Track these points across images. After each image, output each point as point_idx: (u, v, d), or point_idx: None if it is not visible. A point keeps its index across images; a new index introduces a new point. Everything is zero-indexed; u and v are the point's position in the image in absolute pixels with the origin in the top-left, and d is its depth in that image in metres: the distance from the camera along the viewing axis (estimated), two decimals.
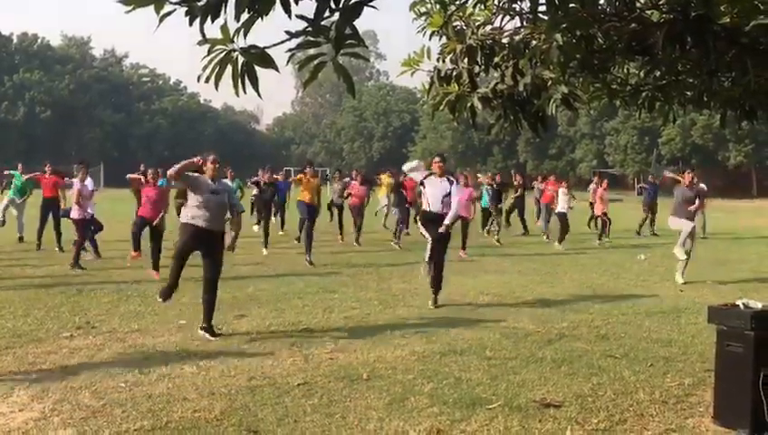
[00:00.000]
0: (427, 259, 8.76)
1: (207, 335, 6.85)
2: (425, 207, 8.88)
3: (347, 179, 18.61)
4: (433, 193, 8.69)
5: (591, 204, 18.54)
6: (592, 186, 19.09)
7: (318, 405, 4.88)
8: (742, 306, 4.56)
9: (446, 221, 8.57)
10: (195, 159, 7.16)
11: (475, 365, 5.91)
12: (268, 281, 10.60)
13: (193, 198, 7.04)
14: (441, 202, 8.63)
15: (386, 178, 20.08)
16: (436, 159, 9.06)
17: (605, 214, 17.49)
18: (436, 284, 8.70)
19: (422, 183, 8.87)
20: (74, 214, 11.86)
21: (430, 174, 8.86)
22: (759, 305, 4.56)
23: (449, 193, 8.70)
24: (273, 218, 17.28)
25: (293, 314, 8.07)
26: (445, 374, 5.64)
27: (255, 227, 16.69)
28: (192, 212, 7.01)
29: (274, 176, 17.74)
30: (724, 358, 4.56)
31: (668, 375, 5.71)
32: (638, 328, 7.46)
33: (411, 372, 5.70)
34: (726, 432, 4.49)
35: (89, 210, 11.96)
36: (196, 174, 7.21)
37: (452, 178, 9.24)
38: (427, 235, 8.74)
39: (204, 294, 7.08)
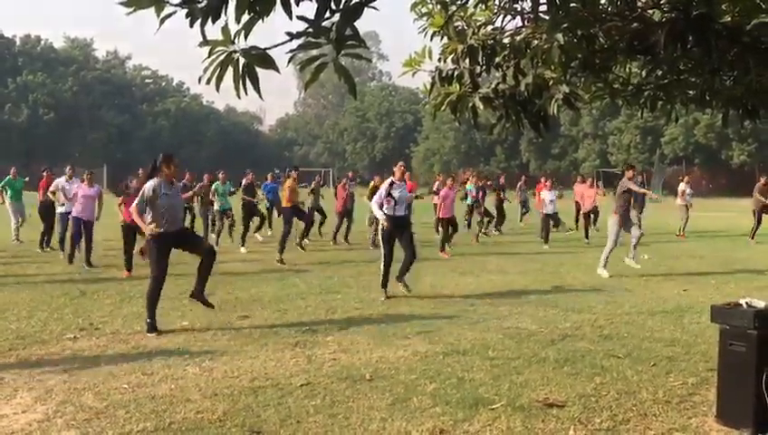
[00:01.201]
0: (381, 280, 9.22)
1: (197, 300, 7.50)
2: (390, 212, 9.21)
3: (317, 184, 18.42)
4: (400, 197, 9.29)
5: (577, 203, 18.55)
6: (577, 186, 19.15)
7: (321, 406, 4.89)
8: (745, 305, 4.55)
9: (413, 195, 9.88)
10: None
11: (477, 365, 5.91)
12: (271, 282, 10.61)
13: (153, 210, 7.14)
14: (405, 205, 9.42)
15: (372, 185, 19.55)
16: (401, 164, 9.81)
17: (587, 214, 17.52)
18: (407, 269, 9.46)
19: (389, 192, 9.26)
20: (75, 213, 12.06)
21: (392, 181, 9.40)
22: (762, 304, 4.55)
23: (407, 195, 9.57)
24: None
25: (296, 315, 8.08)
26: (447, 374, 5.64)
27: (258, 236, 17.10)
28: (156, 222, 7.13)
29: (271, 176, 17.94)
30: (727, 357, 4.55)
31: (672, 375, 5.70)
32: (641, 328, 7.45)
33: (414, 373, 5.70)
34: (730, 432, 4.48)
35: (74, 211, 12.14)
36: (150, 188, 7.13)
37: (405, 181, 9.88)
38: (382, 254, 9.18)
39: (204, 262, 7.40)
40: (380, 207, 9.23)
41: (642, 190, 11.90)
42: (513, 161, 66.45)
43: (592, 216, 17.73)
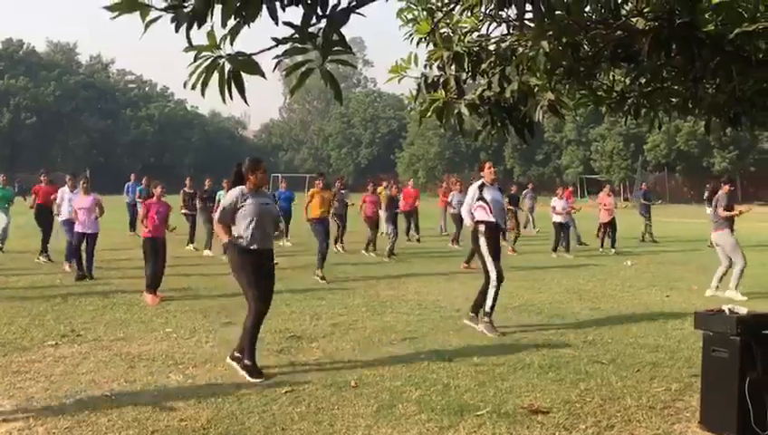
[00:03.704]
0: (488, 308, 7.48)
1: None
2: (486, 217, 7.65)
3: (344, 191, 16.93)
4: (494, 200, 7.74)
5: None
6: (601, 194, 18.12)
7: (305, 413, 4.86)
8: (727, 312, 4.59)
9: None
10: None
11: (462, 372, 5.91)
12: None
13: (238, 224, 6.06)
14: (502, 213, 7.87)
15: (382, 190, 18.13)
16: (490, 164, 8.09)
17: (607, 223, 16.92)
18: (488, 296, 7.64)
19: (481, 196, 7.75)
20: (78, 228, 11.34)
21: (483, 184, 7.87)
22: (744, 311, 4.59)
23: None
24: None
25: (280, 322, 8.03)
26: (432, 381, 5.63)
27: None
28: (244, 234, 5.99)
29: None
30: (711, 363, 4.59)
31: (655, 381, 5.73)
32: (625, 334, 7.49)
33: (399, 379, 5.68)
34: None
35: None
36: (233, 197, 6.08)
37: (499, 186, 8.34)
38: (493, 270, 7.52)
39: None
40: (470, 214, 7.81)
41: (732, 213, 10.09)
42: (497, 167, 66.50)
43: (609, 230, 16.91)
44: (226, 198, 6.20)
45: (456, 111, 4.09)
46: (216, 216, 6.33)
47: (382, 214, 16.82)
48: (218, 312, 8.54)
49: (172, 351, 6.62)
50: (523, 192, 23.67)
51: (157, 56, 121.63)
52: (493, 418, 4.78)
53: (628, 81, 4.52)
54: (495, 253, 7.61)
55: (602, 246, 17.03)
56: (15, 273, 12.02)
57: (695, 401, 4.99)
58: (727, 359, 4.45)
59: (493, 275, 7.51)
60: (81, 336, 7.20)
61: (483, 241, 7.61)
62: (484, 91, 4.15)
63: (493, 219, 7.60)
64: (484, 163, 8.07)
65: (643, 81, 4.42)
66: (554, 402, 5.13)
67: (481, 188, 7.78)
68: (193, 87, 2.42)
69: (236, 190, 6.11)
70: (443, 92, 4.11)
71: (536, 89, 4.08)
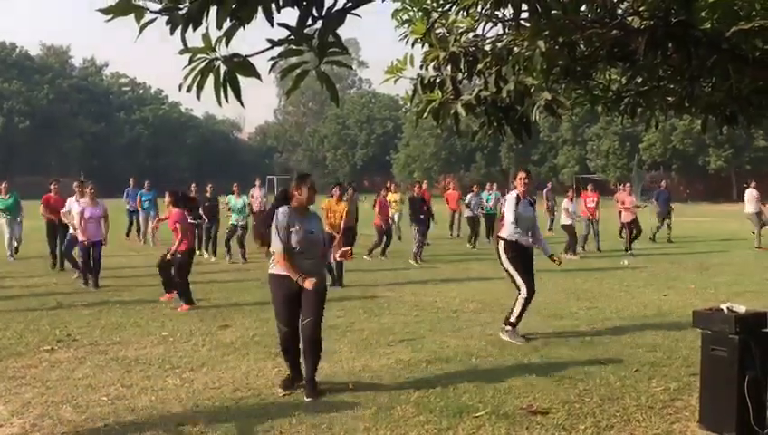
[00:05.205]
0: (514, 318, 7.20)
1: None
2: (510, 236, 7.29)
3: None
4: (522, 216, 7.34)
5: (620, 212, 17.25)
6: (618, 194, 17.57)
7: (304, 416, 4.84)
8: (726, 310, 4.58)
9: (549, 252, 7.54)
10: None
11: (461, 373, 5.90)
12: (251, 290, 10.52)
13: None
14: (530, 227, 7.43)
15: (392, 196, 17.85)
16: (522, 174, 7.56)
17: (631, 223, 16.42)
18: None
19: (516, 210, 7.30)
20: (81, 238, 10.68)
21: (518, 196, 7.39)
22: (743, 309, 4.58)
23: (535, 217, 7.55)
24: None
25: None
26: (431, 382, 5.62)
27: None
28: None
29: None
30: (709, 362, 4.58)
31: (654, 380, 5.73)
32: (623, 333, 7.49)
33: (397, 381, 5.67)
34: None
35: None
36: (280, 222, 5.38)
37: (533, 199, 7.85)
38: (522, 284, 7.23)
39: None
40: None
41: None
42: (492, 168, 66.65)
43: (634, 230, 16.40)
44: (278, 226, 5.38)
45: (452, 111, 4.07)
46: (273, 248, 5.48)
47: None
48: (215, 315, 8.51)
49: (169, 355, 6.59)
50: (543, 191, 23.04)
51: (151, 59, 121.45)
52: (492, 419, 4.76)
53: (624, 80, 4.52)
54: (523, 267, 7.29)
55: (630, 247, 16.29)
56: (11, 277, 11.98)
57: (694, 400, 4.98)
58: (726, 358, 4.44)
59: (522, 288, 7.25)
60: (76, 341, 7.17)
61: (504, 257, 7.35)
62: (480, 91, 4.14)
63: (515, 238, 7.27)
64: (520, 172, 7.63)
65: (639, 80, 4.42)
66: (553, 403, 5.11)
67: (517, 200, 7.34)
68: (188, 89, 2.40)
69: (282, 216, 5.38)
70: (439, 93, 4.10)
71: (533, 88, 4.06)
